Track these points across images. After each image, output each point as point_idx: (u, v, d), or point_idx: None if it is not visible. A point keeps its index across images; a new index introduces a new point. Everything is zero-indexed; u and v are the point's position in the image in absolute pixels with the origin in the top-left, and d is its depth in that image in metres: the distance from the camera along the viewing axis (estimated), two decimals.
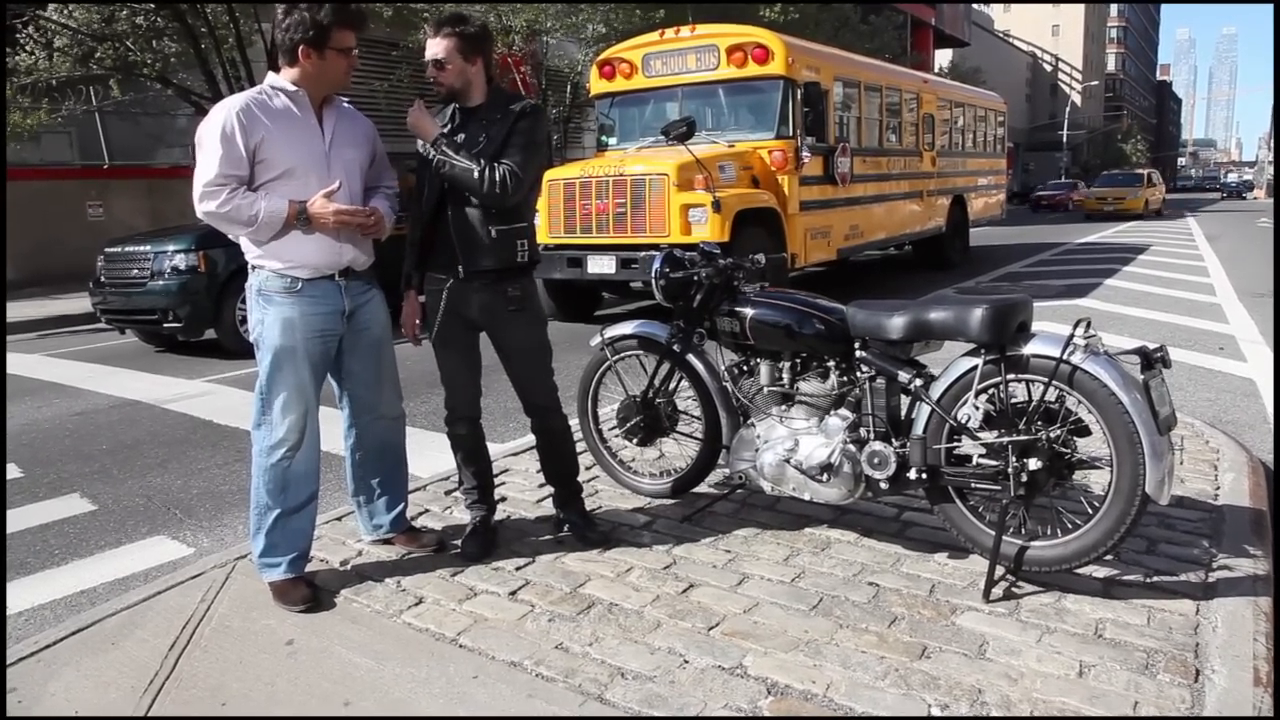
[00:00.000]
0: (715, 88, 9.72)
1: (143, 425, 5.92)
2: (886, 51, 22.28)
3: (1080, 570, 2.89)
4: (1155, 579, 2.95)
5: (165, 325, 8.24)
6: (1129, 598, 2.82)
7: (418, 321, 3.28)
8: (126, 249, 8.64)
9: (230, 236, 2.95)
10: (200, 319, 8.18)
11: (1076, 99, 79.29)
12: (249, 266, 2.98)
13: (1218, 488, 3.80)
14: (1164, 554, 3.13)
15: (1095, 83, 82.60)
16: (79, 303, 10.96)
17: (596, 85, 10.52)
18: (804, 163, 9.39)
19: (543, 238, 8.69)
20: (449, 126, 3.16)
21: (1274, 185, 17.70)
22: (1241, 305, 9.77)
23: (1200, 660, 2.46)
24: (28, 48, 13.33)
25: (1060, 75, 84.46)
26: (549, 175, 8.97)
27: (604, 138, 10.56)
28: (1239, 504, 3.59)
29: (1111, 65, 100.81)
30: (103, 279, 8.75)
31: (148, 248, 8.42)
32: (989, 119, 16.24)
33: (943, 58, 47.00)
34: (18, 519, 4.19)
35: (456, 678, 2.50)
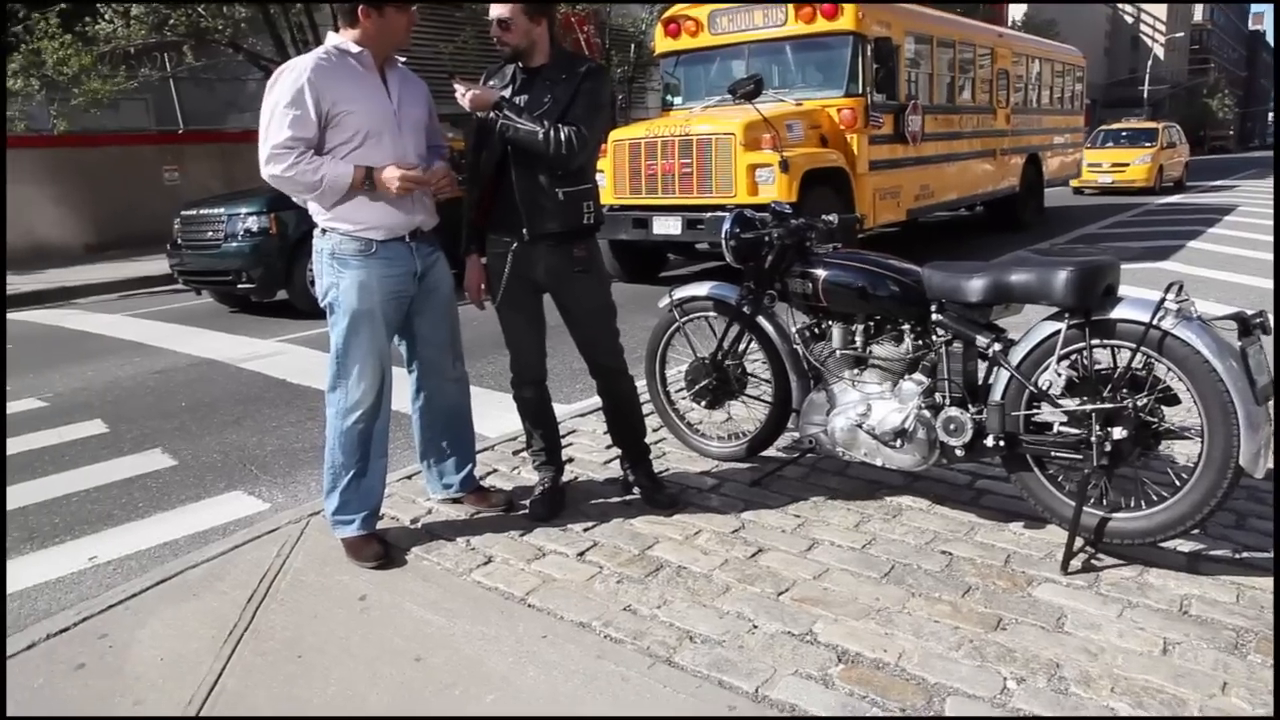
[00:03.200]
0: (783, 44, 9.49)
1: (219, 383, 6.08)
2: (959, 4, 21.53)
3: (1165, 544, 2.79)
4: (1244, 555, 2.83)
5: (239, 286, 8.43)
6: (1216, 574, 2.72)
7: (482, 285, 3.28)
8: (201, 212, 8.84)
9: (295, 200, 2.96)
10: (272, 280, 8.34)
11: (1159, 52, 75.93)
12: (318, 230, 2.99)
13: None
14: (1254, 529, 3.01)
15: (1180, 35, 78.88)
16: (158, 264, 11.27)
17: (661, 44, 10.36)
18: (876, 123, 9.15)
19: (608, 199, 8.64)
20: (510, 88, 3.12)
21: (1274, 185, 16.72)
22: None
23: None
24: (106, 15, 13.61)
25: (1142, 27, 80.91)
26: (614, 135, 8.90)
27: (669, 97, 10.42)
28: None
29: (1199, 15, 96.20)
30: (179, 241, 8.97)
31: (221, 210, 8.60)
32: (1066, 74, 15.62)
33: (1016, 11, 45.33)
34: (106, 472, 4.35)
35: (525, 637, 2.52)
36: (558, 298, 3.24)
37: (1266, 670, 2.24)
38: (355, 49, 2.88)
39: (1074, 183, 18.17)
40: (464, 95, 3.02)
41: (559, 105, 3.04)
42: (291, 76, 2.79)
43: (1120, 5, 75.75)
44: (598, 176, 3.34)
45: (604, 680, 2.31)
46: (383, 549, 3.04)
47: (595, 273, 3.25)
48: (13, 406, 5.70)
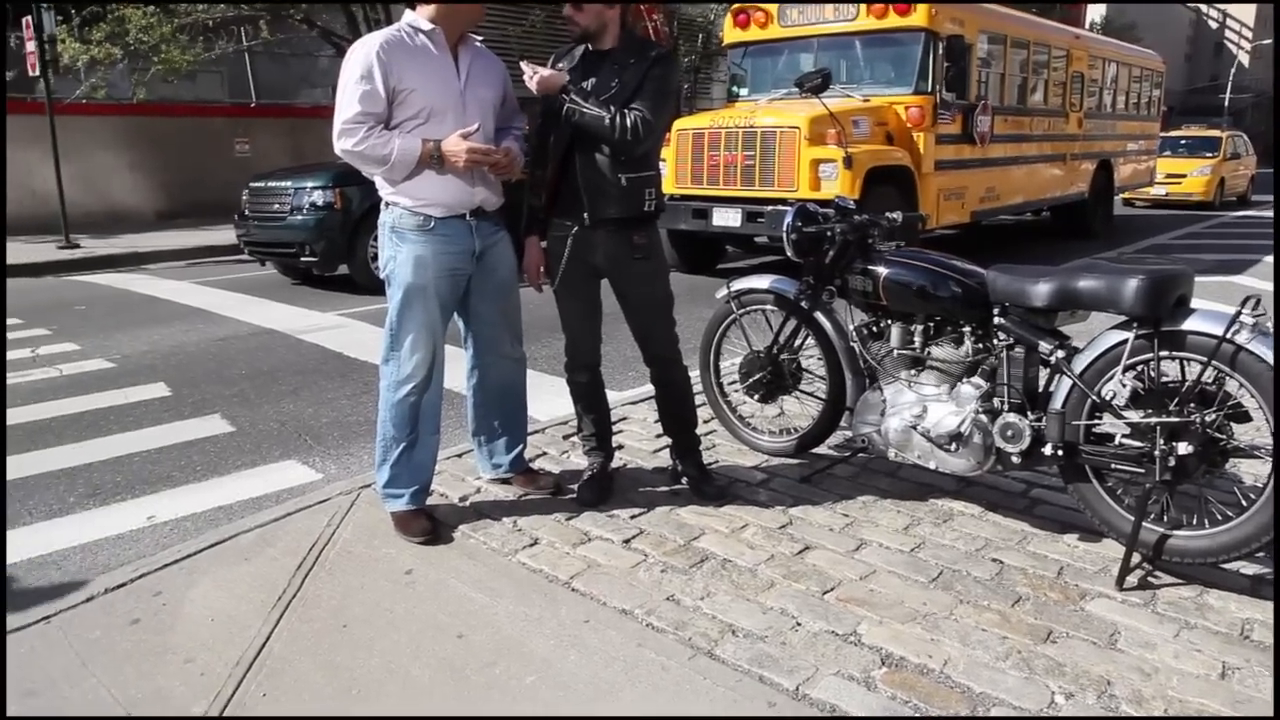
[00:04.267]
0: (853, 39, 9.36)
1: (278, 353, 6.20)
2: (1035, 4, 21.00)
3: (1227, 565, 2.70)
4: None
5: (302, 259, 8.57)
6: None
7: (541, 268, 3.28)
8: (269, 184, 9.00)
9: (365, 174, 3.00)
10: (335, 254, 8.47)
11: (1244, 59, 73.37)
12: (382, 203, 3.02)
13: None
14: None
15: (1267, 41, 76.06)
16: (225, 234, 11.51)
17: (730, 34, 10.28)
18: (944, 122, 8.99)
19: (669, 188, 8.61)
20: (576, 69, 3.12)
21: (1274, 184, 15.85)
22: None
23: None
24: None
25: (1227, 33, 78.26)
26: (678, 125, 8.86)
27: (735, 88, 10.34)
28: None
29: None
30: (246, 212, 9.15)
31: (288, 184, 8.75)
32: (1144, 80, 15.15)
33: (1095, 12, 44.14)
34: (167, 434, 4.47)
35: (568, 620, 2.53)
36: (616, 284, 3.24)
37: None
38: (427, 26, 2.90)
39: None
40: (531, 78, 3.03)
41: (626, 90, 3.03)
42: (362, 52, 2.83)
43: (1204, 9, 73.36)
44: (660, 165, 3.32)
45: (644, 668, 2.31)
46: (430, 525, 3.07)
47: (654, 260, 3.24)
48: (82, 366, 5.88)
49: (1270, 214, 18.19)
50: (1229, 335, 2.53)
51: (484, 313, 3.19)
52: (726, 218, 8.51)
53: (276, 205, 8.74)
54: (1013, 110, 10.79)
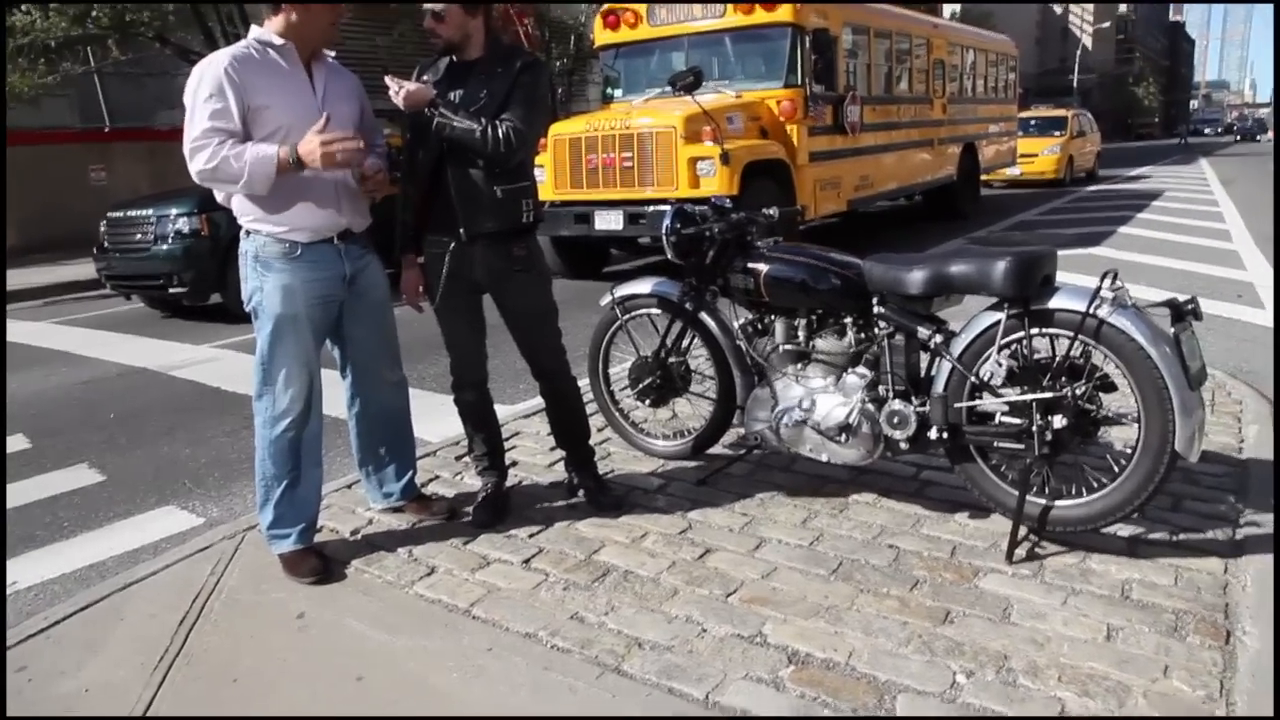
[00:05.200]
0: (722, 36, 9.49)
1: (150, 393, 5.87)
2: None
3: (1105, 529, 2.82)
4: (1182, 537, 2.88)
5: (170, 290, 8.17)
6: (1155, 557, 2.76)
7: (419, 287, 3.19)
8: (129, 213, 8.55)
9: (220, 199, 2.85)
10: (205, 283, 8.10)
11: (1088, 42, 77.65)
12: (243, 231, 2.88)
13: (1242, 441, 3.72)
14: (1190, 511, 3.06)
15: (1106, 24, 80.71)
16: (84, 269, 10.88)
17: (601, 36, 10.29)
18: (816, 114, 9.19)
19: (549, 194, 8.55)
20: (443, 81, 3.04)
21: (1274, 181, 17.04)
22: (1259, 251, 9.59)
23: (1230, 621, 2.41)
24: (23, 6, 13.11)
25: (1070, 18, 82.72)
26: (554, 130, 8.80)
27: (609, 90, 10.35)
28: (1264, 457, 3.51)
29: (1124, 7, 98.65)
30: (106, 244, 8.67)
31: (150, 211, 8.33)
32: (1000, 64, 15.88)
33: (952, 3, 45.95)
34: (28, 490, 4.16)
35: (470, 650, 2.46)
36: (497, 298, 3.17)
37: (1205, 651, 2.27)
38: (278, 41, 2.77)
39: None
40: (397, 93, 2.93)
41: (495, 100, 2.96)
42: (210, 71, 2.68)
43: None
44: (537, 172, 3.27)
45: (551, 692, 2.26)
46: (321, 563, 2.94)
47: (535, 272, 3.18)
48: None
49: (1127, 186, 19.31)
50: (1092, 310, 2.64)
51: (359, 338, 3.07)
52: (609, 221, 8.50)
53: (139, 235, 8.31)
54: (880, 99, 11.13)
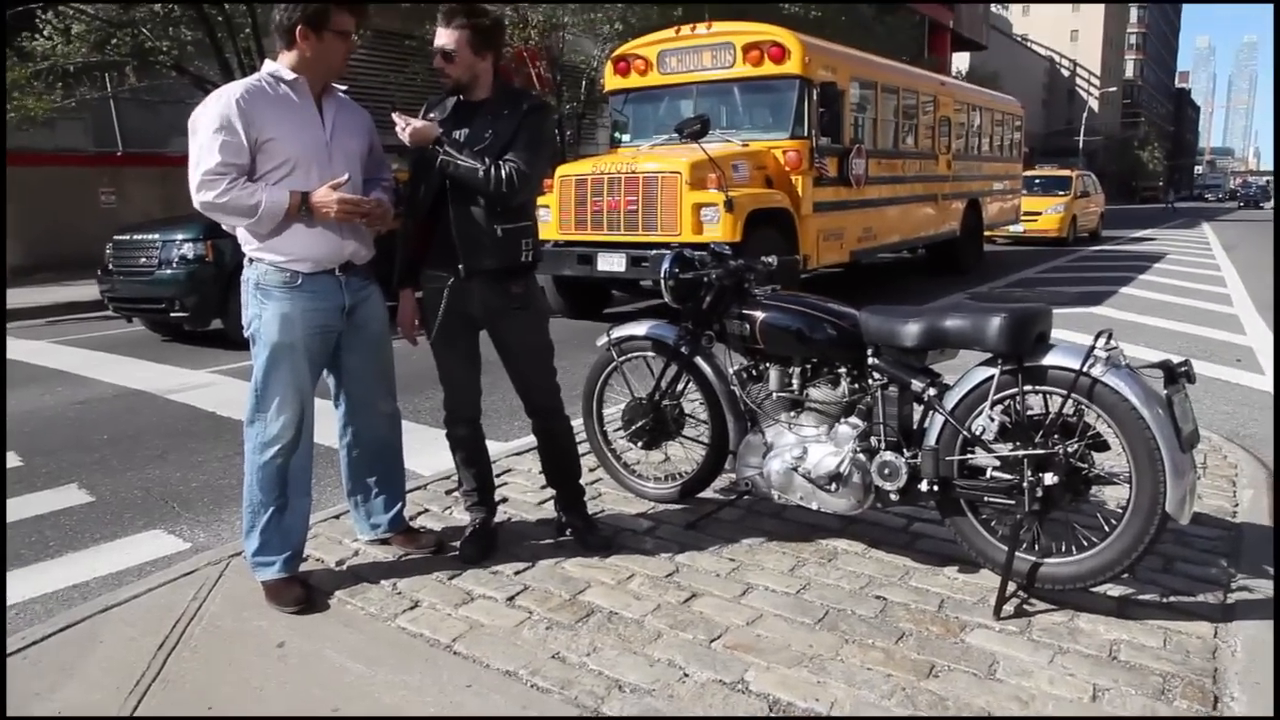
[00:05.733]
0: (730, 86, 9.62)
1: (145, 415, 5.87)
2: (904, 54, 22.06)
3: (1095, 589, 2.80)
4: (1172, 599, 2.86)
5: (172, 314, 8.20)
6: (1145, 618, 2.73)
7: (416, 320, 3.21)
8: (135, 237, 8.60)
9: (226, 228, 2.88)
10: (207, 309, 8.14)
11: (1094, 105, 78.72)
12: (245, 259, 2.90)
13: (1236, 505, 3.71)
14: (1181, 573, 3.04)
15: (1113, 89, 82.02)
16: (88, 290, 10.91)
17: (611, 81, 10.43)
18: (821, 167, 9.30)
19: (553, 234, 8.60)
20: (449, 120, 3.08)
21: (1275, 184, 17.15)
22: (1260, 317, 9.63)
23: (1219, 687, 2.38)
24: (45, 32, 13.32)
25: (1078, 81, 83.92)
26: (560, 171, 8.89)
27: (617, 134, 10.48)
28: (1258, 522, 3.49)
29: (1130, 71, 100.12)
30: (111, 267, 8.71)
31: (156, 236, 8.39)
32: (1006, 123, 16.08)
33: (960, 61, 46.68)
34: (16, 508, 4.14)
35: (449, 686, 2.43)
36: (494, 334, 3.19)
37: (1192, 717, 2.24)
38: (290, 75, 2.82)
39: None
40: (403, 130, 2.98)
41: (500, 140, 3.00)
42: (220, 103, 2.73)
43: (1057, 59, 78.52)
44: (541, 212, 3.31)
45: None
46: (304, 593, 2.92)
47: (533, 310, 3.20)
48: None
49: (1130, 247, 19.42)
50: (1085, 369, 2.65)
51: (356, 369, 3.09)
52: (611, 263, 8.55)
53: (144, 259, 8.36)
54: (886, 153, 11.26)
